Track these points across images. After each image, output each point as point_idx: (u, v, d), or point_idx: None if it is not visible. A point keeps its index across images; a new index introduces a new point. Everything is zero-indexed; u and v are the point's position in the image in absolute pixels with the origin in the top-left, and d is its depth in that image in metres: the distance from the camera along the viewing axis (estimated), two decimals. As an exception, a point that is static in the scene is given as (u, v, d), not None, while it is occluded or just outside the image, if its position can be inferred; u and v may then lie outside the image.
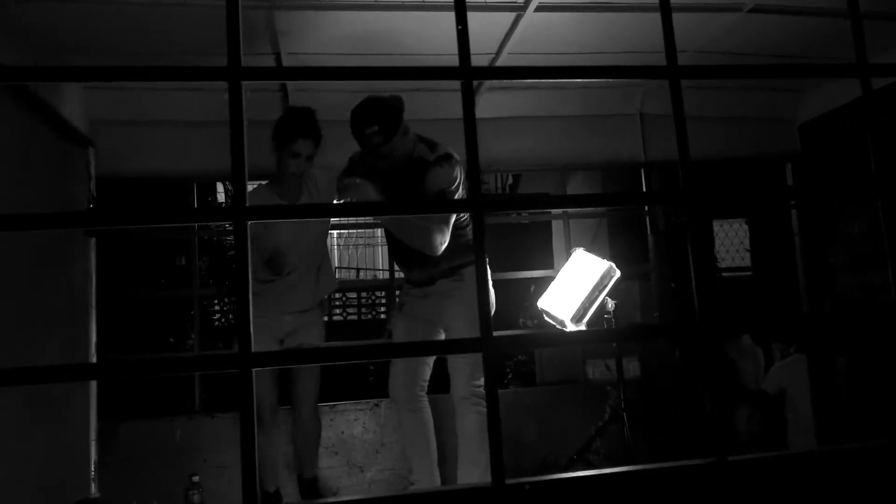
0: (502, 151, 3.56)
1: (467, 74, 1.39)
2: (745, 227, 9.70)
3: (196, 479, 2.92)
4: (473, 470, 2.54)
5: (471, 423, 2.59)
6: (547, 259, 4.64)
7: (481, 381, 2.57)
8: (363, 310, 9.74)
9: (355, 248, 11.10)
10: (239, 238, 1.24)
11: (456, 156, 2.59)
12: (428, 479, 2.63)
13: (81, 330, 2.89)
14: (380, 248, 12.36)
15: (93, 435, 2.89)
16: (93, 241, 3.00)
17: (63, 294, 2.74)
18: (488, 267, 2.65)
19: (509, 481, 1.29)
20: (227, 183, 9.00)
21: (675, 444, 3.28)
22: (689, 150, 1.60)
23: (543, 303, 3.19)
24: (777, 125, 3.69)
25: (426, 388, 2.77)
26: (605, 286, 3.06)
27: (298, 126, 2.72)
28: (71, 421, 2.74)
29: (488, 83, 3.34)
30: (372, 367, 6.80)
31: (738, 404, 3.94)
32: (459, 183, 2.55)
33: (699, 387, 3.79)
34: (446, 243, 2.53)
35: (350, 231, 10.04)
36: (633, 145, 3.63)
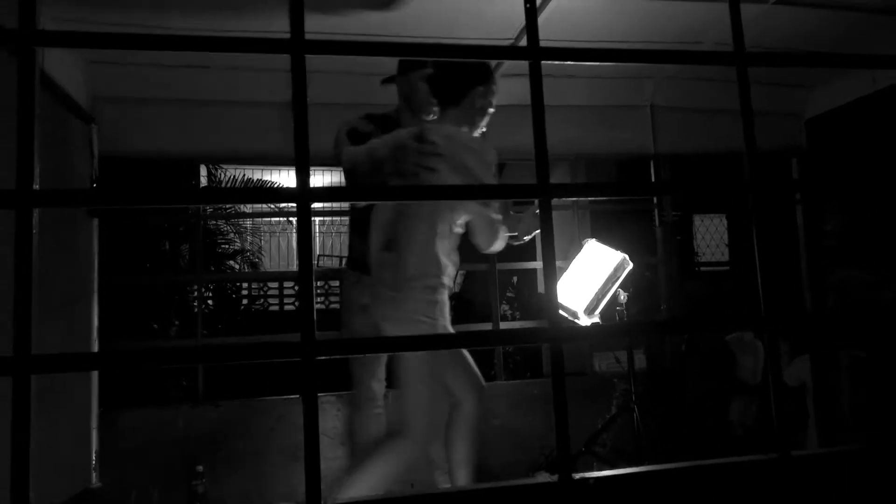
0: (512, 140, 3.51)
1: (537, 55, 1.34)
2: (724, 221, 9.82)
3: (200, 468, 2.85)
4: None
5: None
6: (529, 251, 4.62)
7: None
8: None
9: (338, 236, 11.00)
10: (303, 220, 1.18)
11: None
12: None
13: (83, 315, 2.78)
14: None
15: (94, 424, 2.79)
16: (95, 221, 2.89)
17: (65, 277, 2.63)
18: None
19: (576, 476, 1.26)
20: (211, 166, 8.84)
21: (682, 437, 3.29)
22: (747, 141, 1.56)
23: (558, 294, 3.16)
24: (784, 120, 3.70)
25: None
26: (619, 277, 3.04)
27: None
28: (72, 409, 2.64)
29: (502, 70, 3.28)
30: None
31: (733, 397, 3.98)
32: None
33: (701, 380, 3.82)
34: None
35: (333, 218, 9.93)
36: (643, 137, 3.61)
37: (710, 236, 9.77)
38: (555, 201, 3.95)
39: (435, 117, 2.45)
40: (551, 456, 3.27)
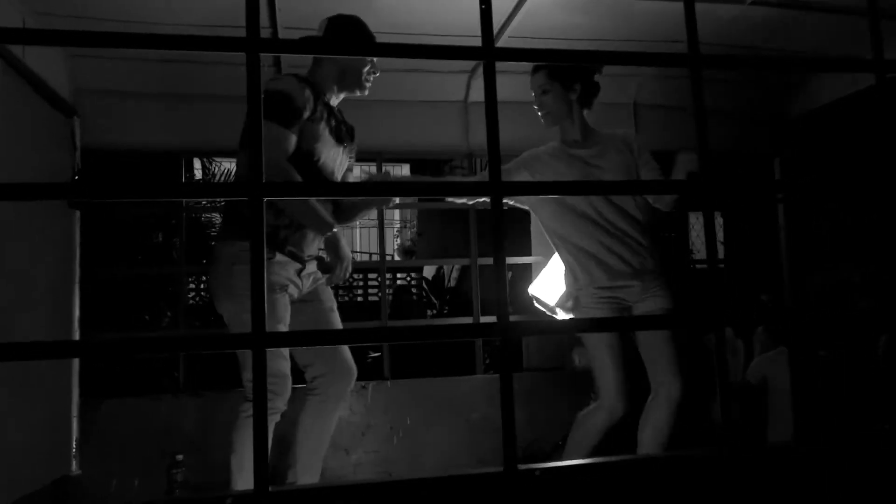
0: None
1: (491, 55, 1.37)
2: (720, 219, 9.84)
3: (180, 457, 2.89)
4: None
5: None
6: (525, 246, 4.64)
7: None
8: (340, 291, 9.71)
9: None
10: (255, 215, 1.20)
11: None
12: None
13: (65, 305, 2.81)
14: (358, 230, 12.32)
15: (74, 412, 2.83)
16: (77, 214, 2.92)
17: (46, 269, 2.66)
18: None
19: (521, 467, 1.29)
20: (205, 159, 8.87)
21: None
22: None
23: (534, 289, 3.19)
24: (768, 120, 3.72)
25: None
26: (595, 274, 3.07)
27: None
28: (52, 398, 2.67)
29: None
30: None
31: (714, 397, 3.98)
32: None
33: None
34: None
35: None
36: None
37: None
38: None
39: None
40: (529, 449, 3.31)
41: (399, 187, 1.70)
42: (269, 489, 1.15)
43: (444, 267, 10.27)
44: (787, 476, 1.38)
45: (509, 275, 7.04)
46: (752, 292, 4.19)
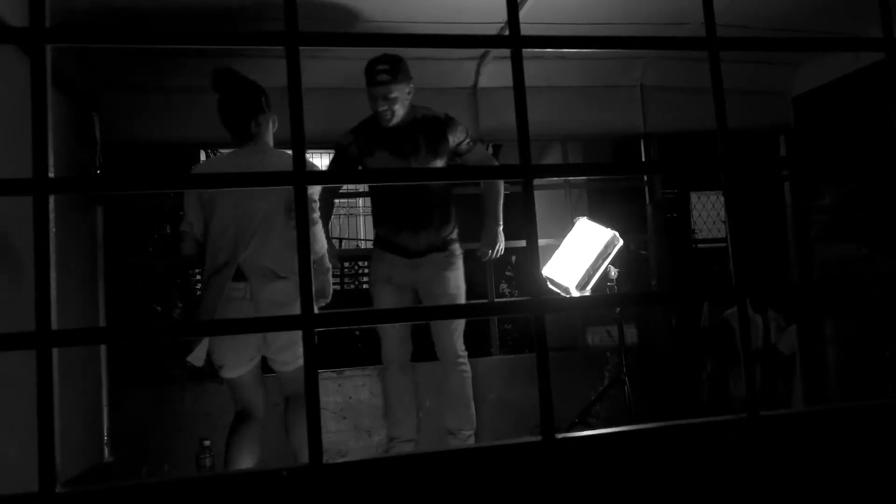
0: (504, 121, 3.59)
1: (518, 43, 1.42)
2: (721, 199, 9.87)
3: (207, 443, 2.95)
4: (464, 424, 2.84)
5: (456, 384, 2.91)
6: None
7: (462, 346, 2.94)
8: (346, 279, 9.77)
9: (336, 218, 11.05)
10: (300, 202, 1.26)
11: None
12: (411, 435, 2.95)
13: (91, 297, 2.88)
14: (361, 217, 12.32)
15: (105, 401, 2.90)
16: (100, 208, 2.97)
17: (72, 262, 2.72)
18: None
19: (559, 436, 1.35)
20: (209, 151, 8.89)
21: (673, 407, 3.40)
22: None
23: (548, 271, 3.25)
24: (771, 98, 3.76)
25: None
26: (609, 254, 3.13)
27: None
28: (84, 387, 2.74)
29: (494, 53, 3.35)
30: (357, 333, 6.85)
31: (733, 371, 4.02)
32: None
33: (699, 352, 3.91)
34: None
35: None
36: (633, 116, 3.68)
37: (707, 213, 9.82)
38: (548, 181, 4.04)
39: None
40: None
41: (432, 173, 1.75)
42: (323, 462, 1.22)
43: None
44: (814, 439, 1.45)
45: (513, 258, 7.08)
46: (763, 270, 4.26)
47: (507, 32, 2.93)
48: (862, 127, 3.56)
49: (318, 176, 1.22)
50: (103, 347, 2.91)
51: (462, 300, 2.91)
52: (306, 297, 1.23)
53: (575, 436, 1.39)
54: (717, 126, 1.52)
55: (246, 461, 2.43)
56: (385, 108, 2.74)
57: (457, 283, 2.93)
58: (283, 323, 1.27)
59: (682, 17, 3.05)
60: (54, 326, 1.20)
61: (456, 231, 2.99)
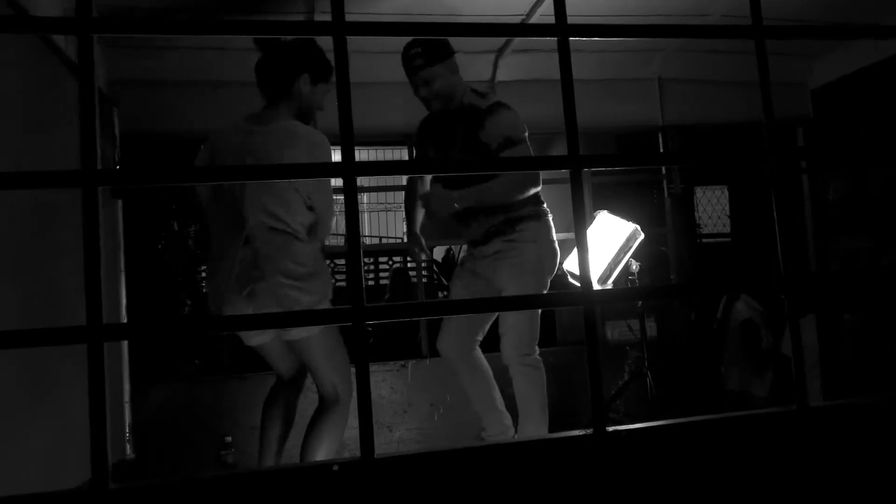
0: (523, 114, 3.57)
1: (564, 32, 1.40)
2: (726, 193, 9.86)
3: (228, 439, 2.95)
4: (528, 426, 2.57)
5: (519, 384, 2.62)
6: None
7: (531, 347, 2.62)
8: (381, 275, 9.80)
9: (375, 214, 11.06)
10: (350, 193, 1.24)
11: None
12: (498, 428, 2.65)
13: (112, 293, 2.86)
14: (366, 214, 12.28)
15: (126, 397, 2.89)
16: (119, 202, 2.96)
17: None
18: (552, 226, 2.70)
19: (610, 428, 1.34)
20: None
21: (694, 401, 3.39)
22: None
23: (569, 264, 3.24)
24: (790, 90, 3.75)
25: (479, 343, 2.71)
26: (630, 248, 3.12)
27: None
28: (107, 384, 2.72)
29: (513, 45, 3.34)
30: (370, 328, 6.83)
31: (761, 369, 3.98)
32: (525, 129, 2.60)
33: (716, 347, 3.89)
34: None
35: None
36: (651, 109, 3.66)
37: (713, 208, 9.80)
38: (555, 174, 4.04)
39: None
40: (565, 422, 3.37)
41: (477, 164, 1.73)
42: (375, 456, 1.21)
43: (453, 248, 10.32)
44: (861, 431, 1.44)
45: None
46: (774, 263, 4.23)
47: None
48: (881, 119, 3.54)
49: (367, 167, 1.20)
50: (125, 343, 2.90)
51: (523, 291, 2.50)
52: (356, 291, 1.22)
53: (626, 428, 1.38)
54: (764, 116, 1.50)
55: (277, 426, 2.40)
56: (426, 93, 2.56)
57: (515, 273, 2.55)
58: (331, 317, 1.25)
59: (703, 9, 3.03)
60: (85, 321, 1.18)
61: (524, 208, 2.60)
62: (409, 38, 2.55)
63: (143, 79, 3.04)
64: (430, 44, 2.53)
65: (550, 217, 2.72)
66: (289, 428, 2.42)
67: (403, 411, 3.29)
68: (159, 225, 6.50)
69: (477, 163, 1.70)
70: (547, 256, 2.64)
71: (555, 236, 2.67)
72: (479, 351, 2.71)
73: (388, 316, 1.25)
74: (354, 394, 2.23)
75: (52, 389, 2.28)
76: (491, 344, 2.69)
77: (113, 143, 2.91)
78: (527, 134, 2.57)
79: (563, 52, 1.40)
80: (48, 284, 2.21)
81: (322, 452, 2.26)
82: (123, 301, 2.94)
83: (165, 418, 3.02)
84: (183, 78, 3.11)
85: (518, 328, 2.57)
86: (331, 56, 2.83)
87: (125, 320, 2.89)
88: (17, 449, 1.88)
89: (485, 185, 2.47)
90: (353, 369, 2.68)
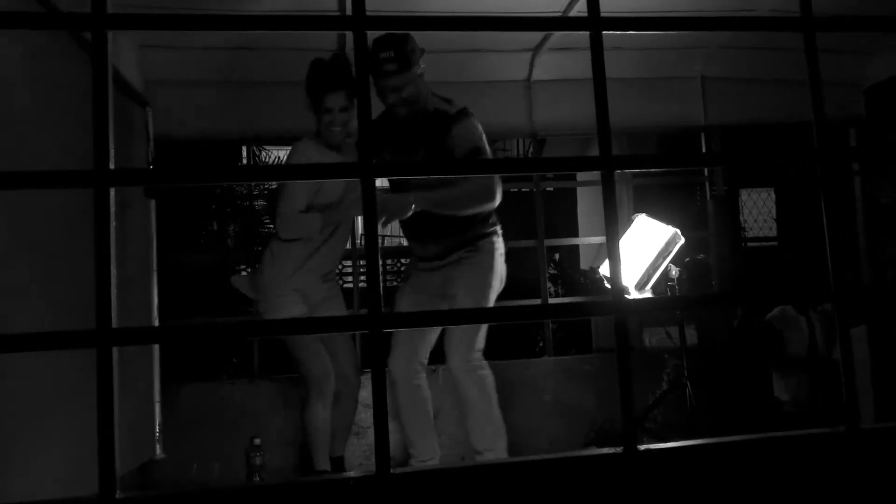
0: (558, 115, 3.49)
1: (597, 26, 1.33)
2: (773, 196, 9.57)
3: (257, 441, 2.92)
4: (485, 433, 2.56)
5: (472, 391, 2.57)
6: (572, 227, 4.57)
7: (476, 351, 2.57)
8: (388, 277, 9.72)
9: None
10: (368, 194, 1.19)
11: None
12: (430, 453, 2.68)
13: (145, 293, 2.87)
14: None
15: (157, 398, 2.89)
16: (153, 203, 2.96)
17: (126, 257, 2.71)
18: (501, 238, 2.67)
19: (641, 447, 1.26)
20: (253, 147, 8.95)
21: (734, 413, 3.25)
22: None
23: (605, 269, 3.14)
24: (841, 89, 3.58)
25: (425, 365, 2.70)
26: (670, 253, 3.01)
27: (325, 80, 2.55)
28: (138, 384, 2.73)
29: (550, 43, 3.25)
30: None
31: (786, 373, 3.88)
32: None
33: (749, 356, 3.75)
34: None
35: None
36: (693, 109, 3.54)
37: (758, 211, 9.53)
38: (589, 175, 3.92)
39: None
40: (601, 430, 3.27)
41: (512, 164, 1.67)
42: (391, 471, 1.15)
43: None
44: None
45: (556, 256, 6.96)
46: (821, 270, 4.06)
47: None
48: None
49: (385, 168, 1.15)
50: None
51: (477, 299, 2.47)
52: (373, 297, 1.16)
53: (658, 447, 1.30)
54: (813, 115, 1.40)
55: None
56: (395, 99, 2.44)
57: (470, 276, 2.54)
58: (349, 324, 1.20)
59: (751, 4, 2.91)
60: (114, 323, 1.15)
61: (486, 226, 2.61)
62: (398, 36, 2.44)
63: (176, 79, 3.05)
64: (402, 47, 2.41)
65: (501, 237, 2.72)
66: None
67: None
68: (198, 225, 6.58)
69: (501, 164, 1.63)
70: (499, 271, 2.64)
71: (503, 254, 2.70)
72: (424, 378, 2.71)
73: (405, 324, 1.20)
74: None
75: (82, 395, 2.29)
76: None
77: (146, 144, 2.92)
78: (485, 141, 2.52)
79: (596, 46, 1.32)
80: (84, 286, 2.22)
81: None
82: (155, 301, 2.95)
83: (195, 419, 3.02)
84: (216, 78, 3.11)
85: (464, 331, 2.47)
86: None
87: (156, 321, 2.90)
88: (46, 455, 1.88)
89: (446, 190, 2.38)
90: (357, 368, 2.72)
